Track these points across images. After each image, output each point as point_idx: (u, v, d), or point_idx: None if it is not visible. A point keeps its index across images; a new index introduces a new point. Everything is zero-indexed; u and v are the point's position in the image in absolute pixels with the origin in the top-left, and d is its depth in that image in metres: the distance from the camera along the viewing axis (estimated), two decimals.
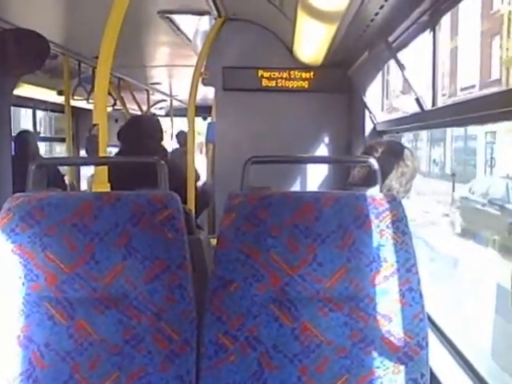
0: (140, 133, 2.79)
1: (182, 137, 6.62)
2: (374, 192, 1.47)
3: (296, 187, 3.53)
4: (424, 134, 15.60)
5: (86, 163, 2.15)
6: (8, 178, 3.22)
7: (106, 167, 1.80)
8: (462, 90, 13.53)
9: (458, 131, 14.41)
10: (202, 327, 1.37)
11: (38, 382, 1.34)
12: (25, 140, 3.92)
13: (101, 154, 1.83)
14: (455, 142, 15.62)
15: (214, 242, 1.54)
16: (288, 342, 1.37)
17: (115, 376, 1.34)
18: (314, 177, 3.58)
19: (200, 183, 5.20)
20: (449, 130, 13.25)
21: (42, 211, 1.39)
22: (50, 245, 1.37)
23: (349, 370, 1.36)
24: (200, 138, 6.55)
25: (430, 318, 1.85)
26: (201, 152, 6.65)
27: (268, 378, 1.36)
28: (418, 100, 2.29)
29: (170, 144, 7.89)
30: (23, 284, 1.36)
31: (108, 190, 1.78)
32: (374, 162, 1.50)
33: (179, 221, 1.40)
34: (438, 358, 1.73)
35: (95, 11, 2.25)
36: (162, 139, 3.06)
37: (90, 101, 4.36)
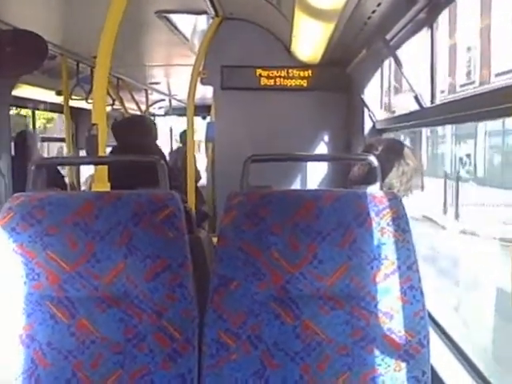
0: (131, 132, 2.81)
1: (184, 136, 6.63)
2: (374, 190, 1.47)
3: (296, 186, 3.53)
4: (448, 129, 14.07)
5: (86, 163, 2.15)
6: (8, 178, 3.23)
7: (105, 166, 1.80)
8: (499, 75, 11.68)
9: (494, 125, 12.02)
10: (204, 326, 1.37)
11: (40, 380, 1.34)
12: (24, 140, 3.92)
13: (100, 154, 1.84)
14: (490, 137, 13.08)
15: (214, 240, 1.54)
16: (289, 340, 1.37)
17: (117, 374, 1.35)
18: (314, 175, 3.58)
19: (201, 182, 5.21)
20: (481, 123, 11.19)
21: (43, 210, 1.40)
22: (52, 244, 1.37)
23: (350, 367, 1.36)
24: (196, 136, 6.54)
25: (430, 316, 1.86)
26: (198, 150, 6.65)
27: (270, 376, 1.36)
28: (416, 97, 2.29)
29: (168, 143, 7.91)
30: (25, 283, 1.37)
31: (108, 189, 1.79)
32: (373, 159, 1.51)
33: (180, 220, 1.41)
34: (439, 356, 1.74)
35: (93, 11, 2.25)
36: (155, 138, 3.07)
37: (89, 101, 4.37)
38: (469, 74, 13.95)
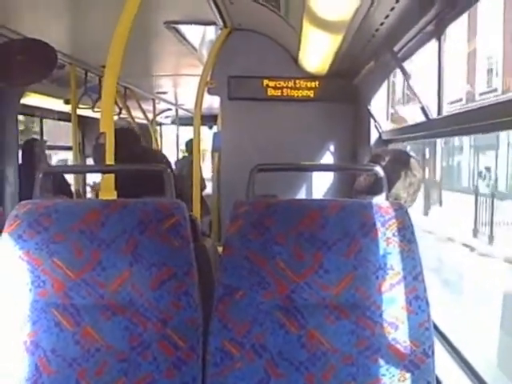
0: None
1: (190, 145, 6.65)
2: (380, 200, 1.47)
3: (302, 195, 3.53)
4: (466, 141, 13.85)
5: (93, 171, 2.16)
6: (15, 186, 3.25)
7: (112, 175, 1.81)
8: None
9: None
10: (208, 334, 1.37)
11: None
12: (32, 148, 3.94)
13: (108, 162, 1.85)
14: None
15: (220, 249, 1.54)
16: (294, 349, 1.36)
17: (121, 382, 1.35)
18: (320, 185, 3.59)
19: (206, 192, 5.22)
20: (503, 133, 10.76)
21: (49, 218, 1.40)
22: (58, 251, 1.38)
23: (355, 377, 1.35)
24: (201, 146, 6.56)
25: (435, 327, 1.85)
26: (203, 160, 6.66)
27: None
28: (423, 109, 2.30)
29: (174, 152, 7.94)
30: (30, 290, 1.37)
31: (115, 197, 1.79)
32: (379, 169, 1.51)
33: (185, 228, 1.41)
34: (444, 367, 1.72)
35: (102, 21, 2.27)
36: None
37: (96, 109, 4.39)
38: (490, 81, 13.52)
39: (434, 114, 2.24)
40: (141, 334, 1.36)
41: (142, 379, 1.35)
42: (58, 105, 4.96)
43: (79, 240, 1.39)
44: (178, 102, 7.03)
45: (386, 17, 2.16)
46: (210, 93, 3.63)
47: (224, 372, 1.35)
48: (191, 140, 6.78)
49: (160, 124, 8.24)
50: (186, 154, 6.85)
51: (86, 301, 1.37)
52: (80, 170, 2.40)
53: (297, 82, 3.56)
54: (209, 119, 6.20)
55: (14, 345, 1.35)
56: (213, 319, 1.38)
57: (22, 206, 1.44)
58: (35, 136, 5.65)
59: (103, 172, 1.83)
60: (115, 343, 1.36)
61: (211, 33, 3.54)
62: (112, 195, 1.79)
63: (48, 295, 1.37)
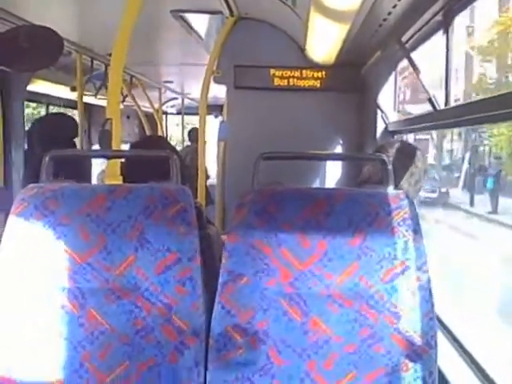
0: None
1: (193, 134, 6.65)
2: (385, 190, 1.47)
3: (309, 185, 3.53)
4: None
5: (100, 156, 2.17)
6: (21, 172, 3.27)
7: (118, 161, 1.82)
8: None
9: None
10: (212, 320, 1.38)
11: (48, 370, 1.35)
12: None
13: (114, 148, 1.85)
14: None
15: (224, 238, 1.55)
16: (297, 336, 1.37)
17: (125, 366, 1.36)
18: (327, 175, 3.58)
19: (209, 181, 5.23)
20: None
21: (56, 201, 1.41)
22: (64, 235, 1.39)
23: (357, 365, 1.36)
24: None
25: (438, 318, 1.85)
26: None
27: (276, 372, 1.36)
28: (430, 100, 2.29)
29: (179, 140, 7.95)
30: (36, 273, 1.38)
31: (120, 182, 1.80)
32: (386, 159, 1.51)
33: (191, 214, 1.42)
34: (446, 357, 1.73)
35: (109, 9, 2.27)
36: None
37: (99, 97, 4.40)
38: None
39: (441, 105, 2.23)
40: (145, 317, 1.37)
41: (146, 363, 1.36)
42: (64, 92, 4.97)
43: (85, 224, 1.39)
44: (184, 91, 7.02)
45: (394, 6, 2.14)
46: (216, 81, 3.63)
47: (227, 357, 1.36)
48: (194, 129, 6.81)
49: (166, 113, 8.23)
50: (189, 143, 6.87)
51: (91, 284, 1.38)
52: (87, 155, 2.41)
53: (303, 71, 3.54)
54: (215, 109, 6.19)
55: (19, 328, 1.36)
56: (216, 305, 1.38)
57: (29, 189, 1.45)
58: None
59: (109, 157, 1.84)
60: (119, 326, 1.37)
61: (217, 22, 3.52)
62: (117, 181, 1.80)
63: (53, 278, 1.38)
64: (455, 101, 2.28)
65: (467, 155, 16.05)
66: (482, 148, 15.81)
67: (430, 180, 14.77)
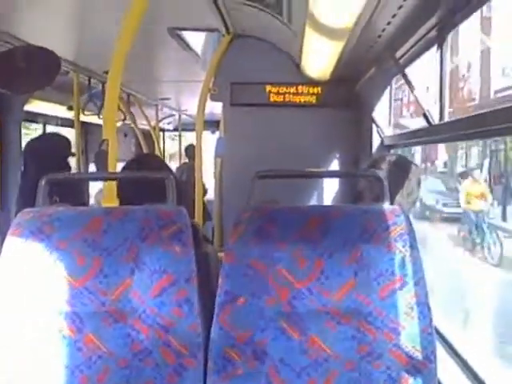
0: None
1: (190, 150, 6.67)
2: (381, 206, 1.47)
3: (306, 201, 3.53)
4: None
5: (96, 178, 2.17)
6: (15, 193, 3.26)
7: (114, 182, 1.81)
8: None
9: None
10: (210, 341, 1.37)
11: None
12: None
13: (110, 169, 1.85)
14: None
15: (221, 255, 1.54)
16: (296, 355, 1.36)
17: None
18: (325, 191, 3.58)
19: (207, 198, 5.23)
20: None
21: (52, 226, 1.41)
22: (60, 259, 1.38)
23: (357, 383, 1.35)
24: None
25: (437, 332, 1.85)
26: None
27: None
28: (425, 115, 2.30)
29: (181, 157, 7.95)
30: (33, 298, 1.37)
31: (117, 204, 1.80)
32: (381, 175, 1.51)
33: (187, 235, 1.41)
34: (447, 372, 1.72)
35: (106, 28, 2.28)
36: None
37: (101, 116, 4.40)
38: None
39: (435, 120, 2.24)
40: (142, 341, 1.36)
41: None
42: (61, 111, 4.98)
43: (81, 248, 1.39)
44: (181, 107, 7.05)
45: (388, 23, 2.16)
46: (212, 99, 3.64)
47: (226, 379, 1.35)
48: (190, 145, 6.82)
49: (163, 130, 8.25)
50: (187, 160, 6.88)
51: (88, 308, 1.37)
52: (83, 178, 2.41)
53: (299, 87, 3.56)
54: (211, 124, 6.21)
55: (16, 352, 1.35)
56: (214, 326, 1.38)
57: (25, 213, 1.44)
58: None
59: (105, 179, 1.83)
60: (117, 350, 1.36)
61: (214, 39, 3.55)
62: (114, 202, 1.80)
63: (50, 302, 1.37)
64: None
65: (486, 162, 14.61)
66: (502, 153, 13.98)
67: (451, 191, 13.78)
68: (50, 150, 3.19)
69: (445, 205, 13.35)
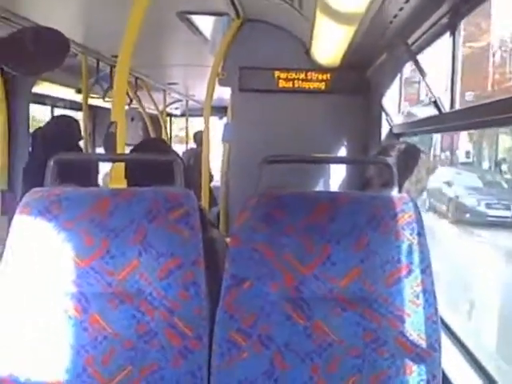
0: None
1: (199, 136, 6.66)
2: (389, 193, 1.46)
3: (313, 187, 3.52)
4: None
5: (104, 160, 2.18)
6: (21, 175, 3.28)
7: (122, 164, 1.81)
8: None
9: None
10: (215, 324, 1.38)
11: (51, 374, 1.35)
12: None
13: (118, 151, 1.85)
14: None
15: (228, 241, 1.54)
16: (300, 340, 1.37)
17: (128, 370, 1.35)
18: (331, 177, 3.57)
19: (213, 183, 5.23)
20: None
21: (59, 206, 1.40)
22: (67, 239, 1.38)
23: (360, 369, 1.36)
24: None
25: (442, 320, 1.85)
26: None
27: (280, 377, 1.36)
28: (435, 102, 2.28)
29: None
30: (39, 277, 1.38)
31: (125, 186, 1.80)
32: (390, 162, 1.50)
33: (194, 218, 1.41)
34: (451, 361, 1.72)
35: (115, 10, 2.27)
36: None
37: (106, 99, 4.40)
38: None
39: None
40: (148, 322, 1.36)
41: (149, 367, 1.35)
42: (69, 94, 4.98)
43: (88, 228, 1.39)
44: (189, 92, 7.03)
45: (401, 9, 2.14)
46: (220, 84, 3.62)
47: (230, 362, 1.36)
48: (199, 131, 6.81)
49: (170, 115, 8.24)
50: (194, 146, 6.88)
51: (94, 288, 1.38)
52: (91, 159, 2.41)
53: (308, 73, 3.54)
54: (219, 110, 6.19)
55: (23, 332, 1.36)
56: (220, 309, 1.38)
57: (33, 193, 1.44)
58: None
59: (114, 161, 1.83)
60: (122, 331, 1.36)
61: (223, 23, 3.52)
62: (122, 184, 1.80)
63: (56, 282, 1.38)
64: None
65: None
66: None
67: (489, 187, 11.07)
68: (61, 133, 3.20)
69: (489, 206, 10.32)
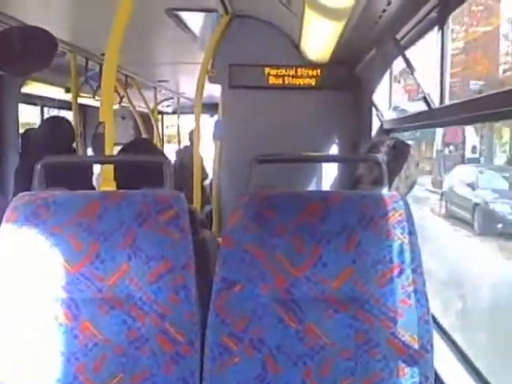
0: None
1: (192, 135, 6.65)
2: (380, 191, 1.46)
3: (304, 186, 3.52)
4: None
5: (92, 162, 2.15)
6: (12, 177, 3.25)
7: (112, 166, 1.80)
8: None
9: None
10: (207, 329, 1.36)
11: (42, 382, 1.33)
12: (31, 138, 3.93)
13: (107, 153, 1.83)
14: None
15: (220, 240, 1.53)
16: (292, 343, 1.36)
17: (119, 377, 1.34)
18: (325, 175, 3.57)
19: (207, 182, 5.21)
20: None
21: (47, 210, 1.39)
22: (56, 244, 1.37)
23: (353, 372, 1.35)
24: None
25: (434, 321, 1.85)
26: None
27: (272, 380, 1.35)
28: (425, 98, 2.28)
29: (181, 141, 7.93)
30: (28, 283, 1.36)
31: (114, 188, 1.78)
32: (381, 160, 1.50)
33: (184, 220, 1.40)
34: (443, 361, 1.72)
35: (102, 8, 2.25)
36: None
37: (97, 98, 4.37)
38: None
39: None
40: (139, 328, 1.35)
41: (141, 374, 1.34)
42: (58, 93, 4.94)
43: (77, 232, 1.37)
44: (180, 90, 7.00)
45: (389, 3, 2.13)
46: (210, 81, 3.61)
47: (222, 367, 1.35)
48: (193, 130, 6.78)
49: (162, 113, 8.21)
50: (188, 145, 6.86)
51: (84, 294, 1.36)
52: (79, 161, 2.38)
53: (298, 70, 3.53)
54: (210, 107, 6.18)
55: (12, 339, 1.34)
56: (211, 314, 1.37)
57: (20, 197, 1.43)
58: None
59: (102, 163, 1.81)
60: (113, 338, 1.35)
61: (212, 20, 3.50)
62: (111, 186, 1.78)
63: (46, 288, 1.36)
64: None
65: None
66: None
67: None
68: (53, 135, 3.17)
69: None
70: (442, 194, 11.60)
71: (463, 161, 13.59)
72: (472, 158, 13.68)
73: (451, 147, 15.14)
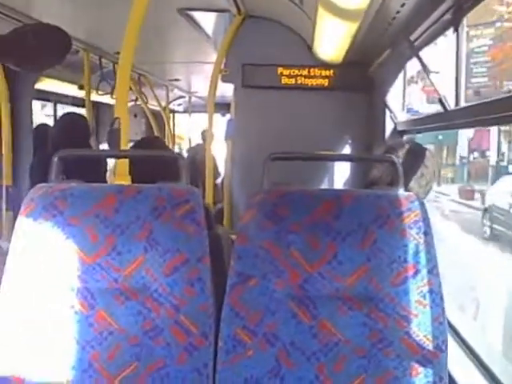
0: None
1: (206, 133, 6.67)
2: (395, 191, 1.45)
3: (316, 185, 3.51)
4: None
5: (109, 156, 2.18)
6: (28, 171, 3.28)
7: (127, 160, 1.81)
8: None
9: None
10: (221, 321, 1.38)
11: (57, 369, 1.35)
12: (44, 133, 3.96)
13: (122, 147, 1.85)
14: None
15: (233, 237, 1.54)
16: (306, 339, 1.36)
17: (133, 366, 1.35)
18: (335, 175, 3.57)
19: (219, 180, 5.22)
20: None
21: (64, 202, 1.40)
22: (72, 235, 1.38)
23: (366, 370, 1.35)
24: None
25: (449, 322, 1.84)
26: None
27: (285, 375, 1.36)
28: (440, 100, 2.26)
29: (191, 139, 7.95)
30: (45, 273, 1.38)
31: (129, 182, 1.80)
32: (396, 160, 1.49)
33: (200, 215, 1.41)
34: (457, 362, 1.71)
35: (117, 7, 2.26)
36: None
37: (114, 96, 4.40)
38: None
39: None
40: (154, 319, 1.36)
41: (154, 364, 1.35)
42: (72, 90, 4.98)
43: (94, 225, 1.39)
44: (192, 89, 7.02)
45: (403, 5, 2.12)
46: (223, 80, 3.62)
47: (235, 359, 1.36)
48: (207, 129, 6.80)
49: (173, 111, 8.24)
50: (200, 142, 6.87)
51: (100, 284, 1.38)
52: (95, 155, 2.41)
53: (311, 70, 3.52)
54: (222, 107, 6.19)
55: (28, 328, 1.36)
56: (225, 307, 1.38)
57: (37, 189, 1.44)
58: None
59: (118, 157, 1.83)
60: (128, 327, 1.36)
61: (225, 20, 3.51)
62: (126, 180, 1.80)
63: (62, 278, 1.38)
64: None
65: None
66: None
67: None
68: (68, 130, 3.19)
69: None
70: (484, 211, 9.51)
71: (497, 169, 12.34)
72: (500, 165, 12.71)
73: (475, 153, 14.27)
